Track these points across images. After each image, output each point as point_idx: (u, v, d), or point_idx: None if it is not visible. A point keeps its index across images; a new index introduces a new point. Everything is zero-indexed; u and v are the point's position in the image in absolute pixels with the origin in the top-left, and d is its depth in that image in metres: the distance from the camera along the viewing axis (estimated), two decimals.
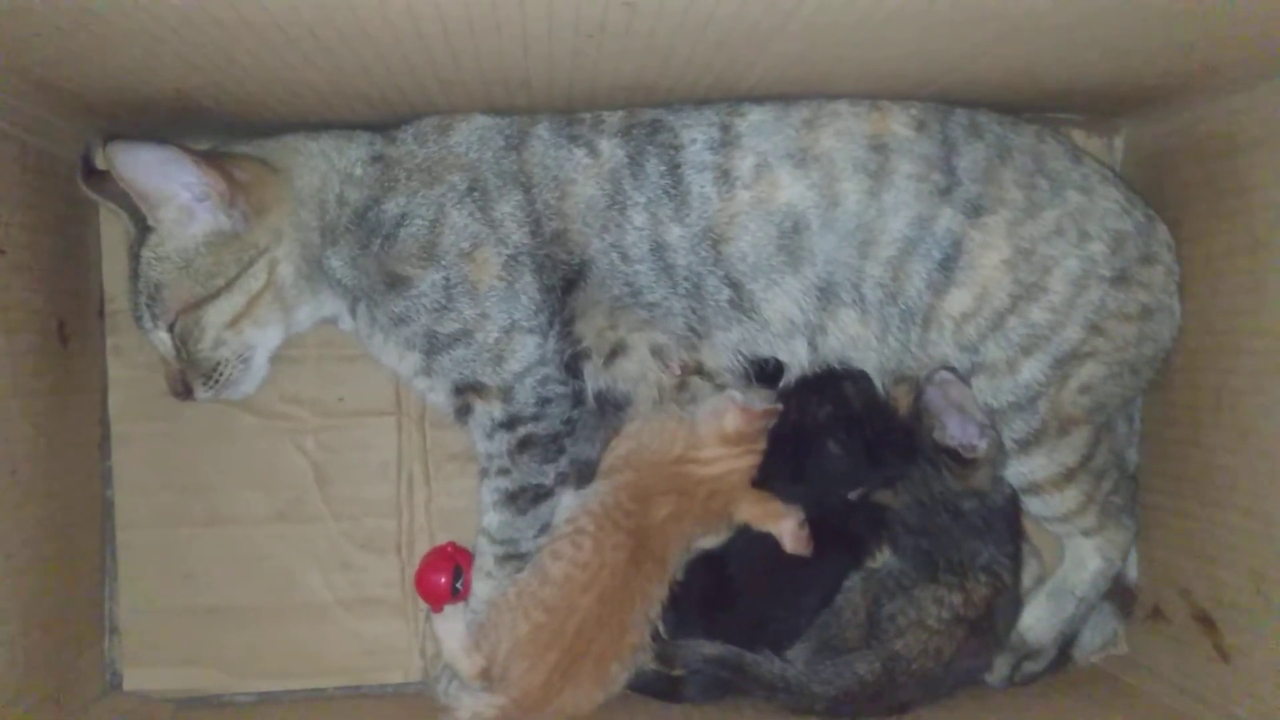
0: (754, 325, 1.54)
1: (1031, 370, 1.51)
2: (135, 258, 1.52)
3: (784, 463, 1.57)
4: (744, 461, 1.57)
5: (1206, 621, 1.55)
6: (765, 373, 1.56)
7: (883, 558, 1.62)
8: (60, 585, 1.56)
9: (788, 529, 1.53)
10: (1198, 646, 1.56)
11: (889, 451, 1.58)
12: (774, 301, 1.53)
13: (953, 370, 1.53)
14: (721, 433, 1.55)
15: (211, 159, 1.49)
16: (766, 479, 1.57)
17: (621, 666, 1.53)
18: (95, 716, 1.59)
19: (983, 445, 1.51)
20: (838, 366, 1.57)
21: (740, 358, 1.57)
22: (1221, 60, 1.38)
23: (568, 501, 1.61)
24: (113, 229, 1.66)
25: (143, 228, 1.51)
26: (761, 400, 1.56)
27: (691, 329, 1.55)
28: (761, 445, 1.57)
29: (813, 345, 1.56)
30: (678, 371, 1.57)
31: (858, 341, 1.55)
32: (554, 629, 1.49)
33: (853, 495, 1.59)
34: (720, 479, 1.56)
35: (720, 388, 1.59)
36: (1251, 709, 1.45)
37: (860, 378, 1.58)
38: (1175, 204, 1.60)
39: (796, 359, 1.57)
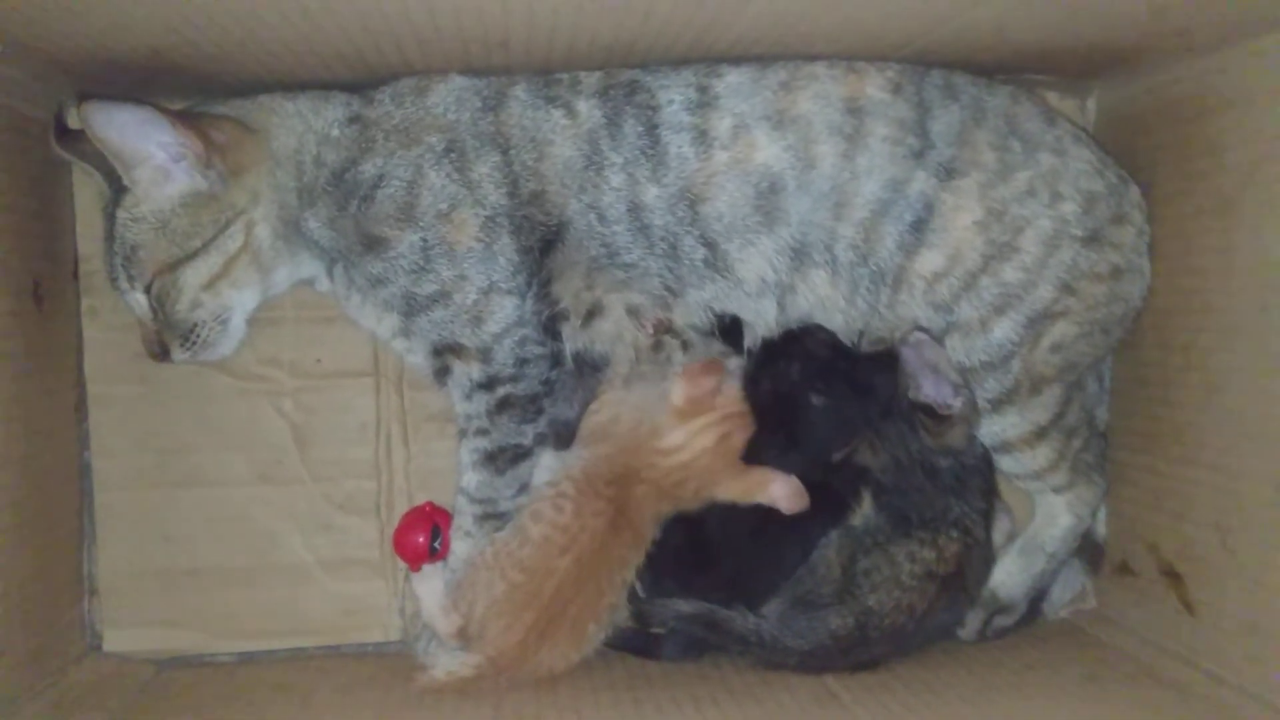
0: (727, 284, 1.55)
1: (1004, 329, 1.53)
2: (110, 219, 1.51)
3: (774, 434, 1.57)
4: (708, 439, 1.55)
5: (1173, 576, 1.58)
6: (725, 328, 1.57)
7: (863, 514, 1.64)
8: (39, 547, 1.56)
9: (779, 492, 1.53)
10: (1164, 600, 1.59)
11: (873, 378, 1.58)
12: (748, 261, 1.53)
13: (926, 330, 1.54)
14: (675, 410, 1.55)
15: (188, 119, 1.48)
16: (759, 453, 1.57)
17: (598, 627, 1.54)
18: (75, 677, 1.59)
19: (957, 404, 1.53)
20: (791, 328, 1.58)
21: (710, 314, 1.58)
22: (1193, 23, 1.39)
23: (548, 462, 1.62)
24: (86, 189, 1.65)
25: (118, 188, 1.50)
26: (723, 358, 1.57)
27: (667, 288, 1.56)
28: (722, 415, 1.56)
29: (781, 305, 1.57)
30: (650, 331, 1.58)
31: (826, 302, 1.56)
32: (531, 589, 1.50)
33: (838, 456, 1.60)
34: (689, 465, 1.55)
35: (686, 345, 1.59)
36: (1216, 661, 1.49)
37: (817, 330, 1.59)
38: (1146, 165, 1.62)
39: (763, 318, 1.58)
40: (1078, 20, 1.41)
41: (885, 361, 1.57)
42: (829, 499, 1.63)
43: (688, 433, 1.55)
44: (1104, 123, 1.78)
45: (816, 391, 1.56)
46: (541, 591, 1.50)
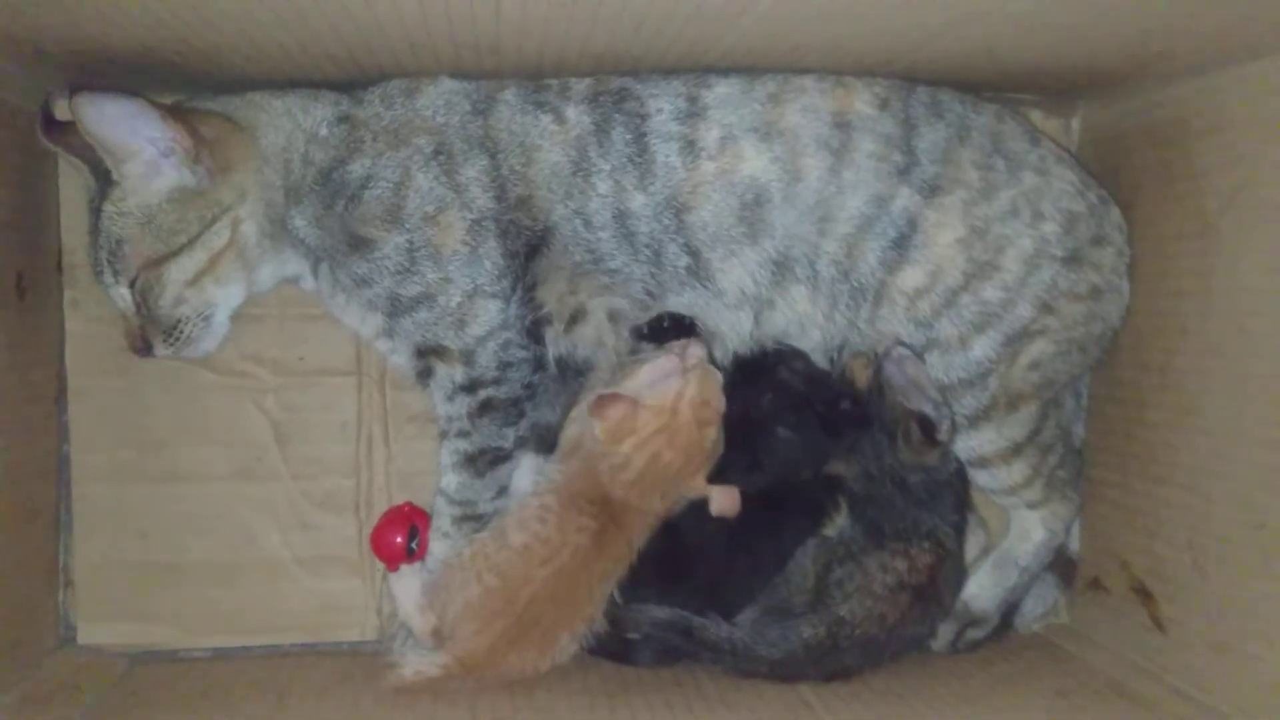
0: (707, 293, 1.56)
1: (983, 347, 1.54)
2: (96, 212, 1.51)
3: (739, 456, 1.57)
4: (641, 460, 1.52)
5: (1144, 593, 1.59)
6: (655, 328, 1.57)
7: (838, 524, 1.65)
8: (15, 539, 1.56)
9: (715, 498, 1.52)
10: (1135, 617, 1.61)
11: (842, 421, 1.60)
12: (730, 272, 1.54)
13: (907, 346, 1.55)
14: (603, 441, 1.52)
15: (178, 114, 1.48)
16: (724, 473, 1.56)
17: (571, 638, 1.54)
18: (50, 669, 1.59)
19: (945, 426, 1.53)
20: (769, 348, 1.59)
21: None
22: (1177, 48, 1.41)
23: (530, 464, 1.63)
24: (71, 181, 1.64)
25: (104, 182, 1.50)
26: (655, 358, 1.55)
27: (648, 293, 1.57)
28: (646, 436, 1.51)
29: (757, 320, 1.58)
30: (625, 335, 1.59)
31: (804, 319, 1.57)
32: (505, 595, 1.50)
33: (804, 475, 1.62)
34: (641, 480, 1.53)
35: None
36: (1184, 679, 1.50)
37: (794, 357, 1.60)
38: (1128, 186, 1.63)
39: (737, 331, 1.59)
40: (1064, 42, 1.42)
41: (859, 411, 1.58)
42: (805, 507, 1.65)
43: (624, 455, 1.52)
44: (1088, 143, 1.79)
45: (785, 425, 1.57)
46: (516, 599, 1.49)
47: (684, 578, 1.60)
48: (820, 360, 1.63)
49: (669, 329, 1.56)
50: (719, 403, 1.54)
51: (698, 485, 1.54)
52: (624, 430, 1.51)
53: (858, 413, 1.59)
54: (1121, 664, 1.62)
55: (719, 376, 1.56)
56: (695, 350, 1.54)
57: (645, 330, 1.57)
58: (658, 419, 1.51)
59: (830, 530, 1.66)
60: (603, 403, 1.50)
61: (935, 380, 1.55)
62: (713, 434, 1.54)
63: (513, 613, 1.49)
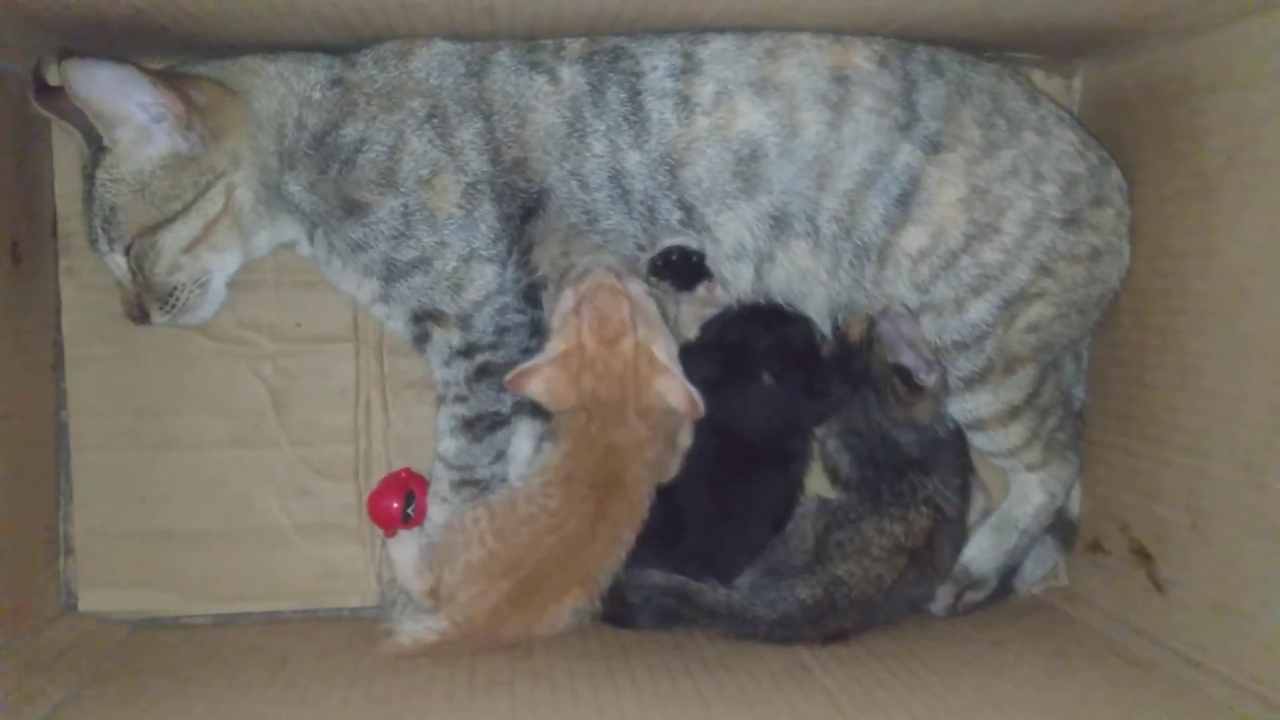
0: (701, 239, 1.55)
1: (979, 310, 1.53)
2: (90, 179, 1.50)
3: (711, 369, 1.55)
4: (590, 395, 1.49)
5: (1144, 555, 1.59)
6: (671, 263, 1.54)
7: (810, 477, 1.67)
8: (15, 506, 1.56)
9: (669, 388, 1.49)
10: (1134, 579, 1.61)
11: (830, 386, 1.59)
12: (725, 225, 1.53)
13: (905, 306, 1.54)
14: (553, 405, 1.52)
15: (169, 79, 1.47)
16: (689, 360, 1.53)
17: (574, 607, 1.54)
18: (50, 636, 1.59)
19: (932, 379, 1.53)
20: (785, 307, 1.59)
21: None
22: (1180, 4, 1.39)
23: (528, 428, 1.64)
24: (65, 147, 1.64)
25: (97, 148, 1.49)
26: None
27: (640, 247, 1.56)
28: (577, 369, 1.49)
29: (759, 273, 1.57)
30: None
31: (806, 275, 1.56)
32: (509, 560, 1.50)
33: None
34: (605, 418, 1.51)
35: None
36: (1183, 639, 1.50)
37: (805, 322, 1.59)
38: (1129, 146, 1.62)
39: (739, 281, 1.58)
40: None
41: (849, 379, 1.57)
42: (773, 456, 1.65)
43: (583, 408, 1.51)
44: (1089, 103, 1.77)
45: (772, 372, 1.56)
46: (522, 563, 1.50)
47: (677, 540, 1.60)
48: (824, 320, 1.62)
49: (678, 262, 1.55)
50: (620, 310, 1.48)
51: (658, 393, 1.49)
52: (559, 392, 1.49)
53: (846, 377, 1.58)
54: (1121, 626, 1.62)
55: (613, 282, 1.49)
56: (590, 277, 1.50)
57: (659, 264, 1.55)
58: (571, 363, 1.48)
59: (802, 474, 1.66)
60: (515, 383, 1.49)
61: (930, 342, 1.54)
62: (628, 344, 1.48)
63: (517, 576, 1.49)
